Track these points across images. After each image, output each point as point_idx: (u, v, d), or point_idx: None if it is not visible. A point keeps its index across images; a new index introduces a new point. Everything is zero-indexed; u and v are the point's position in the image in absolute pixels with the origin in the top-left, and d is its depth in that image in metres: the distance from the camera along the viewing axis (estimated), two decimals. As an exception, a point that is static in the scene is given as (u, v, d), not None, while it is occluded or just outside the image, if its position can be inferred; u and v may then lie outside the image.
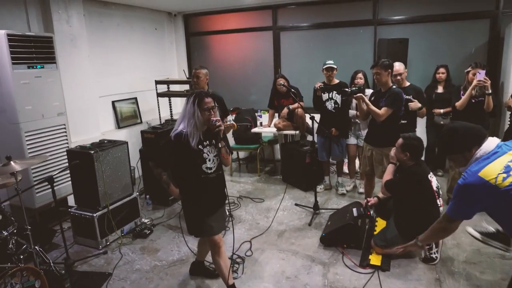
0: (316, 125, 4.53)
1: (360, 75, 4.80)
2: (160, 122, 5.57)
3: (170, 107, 5.89)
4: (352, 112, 4.80)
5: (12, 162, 2.88)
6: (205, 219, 2.65)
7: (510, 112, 4.28)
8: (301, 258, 3.42)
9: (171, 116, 5.86)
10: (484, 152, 1.88)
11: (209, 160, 2.63)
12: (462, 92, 4.19)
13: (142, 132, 4.72)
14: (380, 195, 3.59)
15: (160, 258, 3.51)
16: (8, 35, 3.61)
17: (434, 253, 3.23)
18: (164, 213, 4.52)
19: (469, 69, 4.19)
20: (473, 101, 4.07)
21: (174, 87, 6.07)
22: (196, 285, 3.10)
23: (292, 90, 4.81)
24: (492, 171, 1.78)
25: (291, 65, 6.36)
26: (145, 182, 4.80)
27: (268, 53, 6.47)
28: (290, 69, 6.29)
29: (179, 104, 6.72)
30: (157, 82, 5.71)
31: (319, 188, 4.97)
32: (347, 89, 3.98)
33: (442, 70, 4.94)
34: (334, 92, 4.63)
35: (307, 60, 6.22)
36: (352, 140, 4.88)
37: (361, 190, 4.78)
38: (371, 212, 3.59)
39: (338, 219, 3.70)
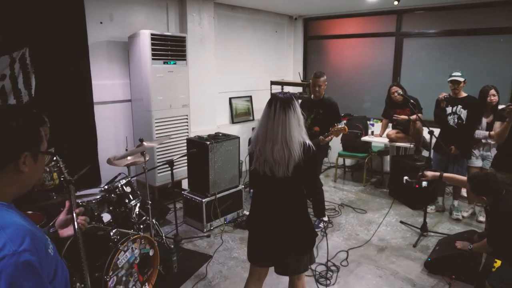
0: (434, 140, 4.16)
1: (493, 91, 4.16)
2: (271, 121, 5.76)
3: (282, 107, 6.04)
4: (483, 132, 4.24)
5: (144, 143, 3.33)
6: None
7: None
8: (400, 280, 3.19)
9: (282, 116, 6.01)
10: None
11: None
12: None
13: (254, 128, 4.94)
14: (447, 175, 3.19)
15: (257, 251, 3.65)
16: (152, 34, 4.15)
17: None
18: (264, 209, 4.67)
19: None
20: None
21: (287, 89, 6.22)
22: (285, 284, 3.13)
23: (411, 100, 4.51)
24: None
25: (412, 74, 5.95)
26: (251, 176, 5.04)
27: (387, 60, 6.17)
28: (410, 78, 5.90)
29: (290, 106, 6.84)
30: (272, 83, 5.92)
31: (430, 208, 4.55)
32: None
33: None
34: (459, 106, 4.19)
35: (431, 70, 5.75)
36: (476, 162, 4.33)
37: (481, 218, 4.23)
38: (420, 185, 3.12)
39: (449, 246, 3.34)
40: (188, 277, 3.18)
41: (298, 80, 6.31)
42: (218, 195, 4.05)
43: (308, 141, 2.09)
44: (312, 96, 4.15)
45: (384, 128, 5.35)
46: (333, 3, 5.61)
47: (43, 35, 3.57)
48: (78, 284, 1.32)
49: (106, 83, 4.32)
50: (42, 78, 3.65)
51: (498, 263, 3.31)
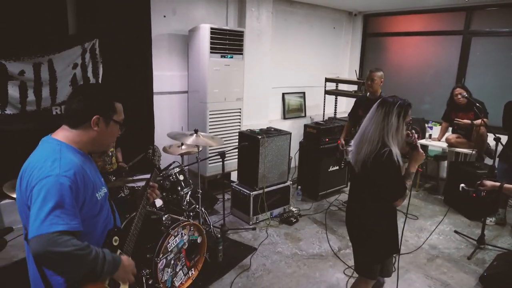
0: (500, 148, 3.88)
1: None
2: (323, 118, 5.69)
3: (336, 105, 5.94)
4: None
5: (199, 134, 3.44)
6: (387, 259, 2.34)
7: None
8: (451, 292, 3.04)
9: (335, 114, 5.92)
10: None
11: None
12: None
13: (306, 126, 4.93)
14: (507, 186, 2.84)
15: (301, 248, 3.65)
16: (211, 28, 4.26)
17: None
18: (311, 206, 4.65)
19: None
20: None
21: (342, 86, 6.09)
22: (329, 284, 3.12)
23: (477, 104, 4.22)
24: None
25: (479, 76, 5.56)
26: (300, 173, 5.03)
27: (452, 60, 5.82)
28: (476, 80, 5.52)
29: (344, 103, 6.72)
30: (327, 80, 5.83)
31: (490, 220, 4.25)
32: None
33: None
34: (534, 112, 3.85)
35: (501, 71, 5.33)
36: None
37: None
38: (478, 195, 2.86)
39: (509, 262, 3.12)
40: (233, 267, 3.26)
41: (354, 78, 6.15)
42: (266, 189, 4.10)
43: (389, 148, 2.02)
44: (368, 94, 4.05)
45: (444, 132, 5.07)
46: (397, -2, 5.39)
47: (111, 27, 3.82)
48: (115, 238, 1.53)
49: (165, 74, 4.51)
50: (109, 67, 3.91)
51: None
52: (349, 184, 5.03)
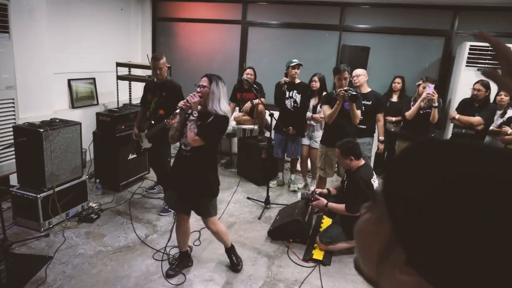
0: (274, 122, 4.62)
1: (315, 78, 4.82)
2: (118, 105, 5.43)
3: (130, 91, 5.75)
4: (308, 114, 4.90)
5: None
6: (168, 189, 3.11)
7: (453, 124, 4.61)
8: (248, 250, 3.50)
9: (130, 100, 5.73)
10: None
11: (185, 137, 2.80)
12: (412, 103, 4.45)
13: (98, 114, 4.59)
14: (332, 189, 3.75)
15: (106, 244, 3.46)
16: (-44, -2, 3.38)
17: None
18: (113, 198, 4.42)
19: (420, 82, 4.46)
20: (421, 112, 4.34)
21: (136, 71, 5.93)
22: (139, 272, 3.10)
23: (254, 86, 4.86)
24: None
25: (256, 61, 6.39)
26: (97, 165, 4.68)
27: (235, 47, 6.48)
28: (255, 64, 6.26)
29: (140, 89, 6.56)
30: (118, 65, 5.55)
31: (272, 183, 5.08)
32: (354, 92, 3.69)
33: (398, 80, 5.19)
34: (295, 91, 4.73)
35: (273, 57, 6.30)
36: (305, 141, 4.99)
37: (312, 188, 4.93)
38: (316, 199, 3.64)
39: (287, 215, 3.83)
40: (22, 285, 2.80)
41: (147, 62, 6.06)
42: (57, 189, 3.64)
43: None
44: (155, 79, 4.09)
45: (232, 111, 5.63)
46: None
47: None
48: None
49: None
50: None
51: (325, 223, 3.96)
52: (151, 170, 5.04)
